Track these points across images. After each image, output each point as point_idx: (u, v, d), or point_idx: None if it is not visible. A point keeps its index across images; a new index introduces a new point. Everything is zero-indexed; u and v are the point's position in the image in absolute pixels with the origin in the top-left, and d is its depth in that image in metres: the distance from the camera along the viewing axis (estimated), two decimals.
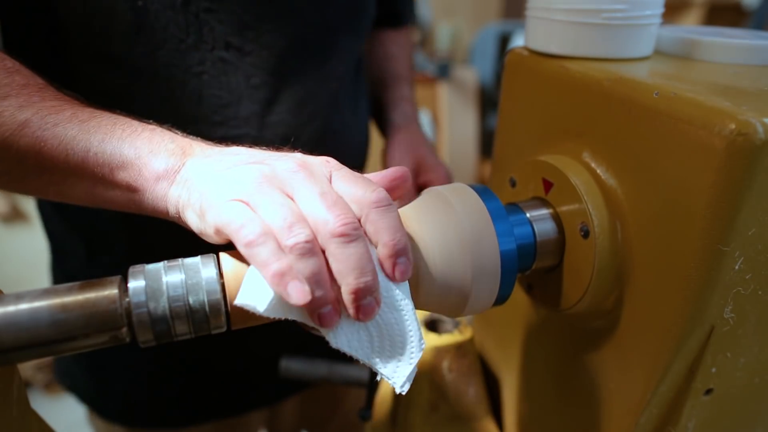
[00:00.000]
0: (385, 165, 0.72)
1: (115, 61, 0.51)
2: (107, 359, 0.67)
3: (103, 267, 0.62)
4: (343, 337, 0.32)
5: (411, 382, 0.33)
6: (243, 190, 0.33)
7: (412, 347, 0.33)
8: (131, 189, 0.39)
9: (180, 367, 0.67)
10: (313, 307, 0.30)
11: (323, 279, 0.30)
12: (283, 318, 0.30)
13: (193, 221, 0.35)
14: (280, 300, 0.30)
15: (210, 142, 0.41)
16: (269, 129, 0.57)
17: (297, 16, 0.56)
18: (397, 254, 0.32)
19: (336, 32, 0.61)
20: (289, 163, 0.35)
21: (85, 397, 0.72)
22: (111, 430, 0.71)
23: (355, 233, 0.31)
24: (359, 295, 0.30)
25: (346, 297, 0.31)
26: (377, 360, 0.32)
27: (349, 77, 0.66)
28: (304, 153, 0.46)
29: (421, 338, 0.33)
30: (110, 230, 0.60)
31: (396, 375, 0.32)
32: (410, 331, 0.33)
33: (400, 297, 0.33)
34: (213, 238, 0.34)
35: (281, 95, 0.57)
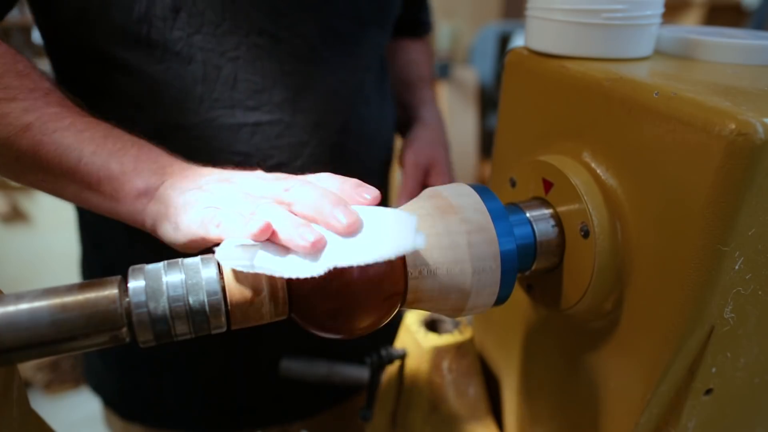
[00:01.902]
0: (401, 157, 0.75)
1: (154, 45, 0.52)
2: (133, 358, 0.68)
3: (144, 255, 0.62)
4: (334, 255, 0.30)
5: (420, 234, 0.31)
6: (213, 200, 0.38)
7: (400, 212, 0.33)
8: (113, 199, 0.43)
9: (192, 376, 0.68)
10: (292, 236, 0.32)
11: (294, 217, 0.33)
12: (276, 275, 0.30)
13: (169, 233, 0.41)
14: (262, 252, 0.31)
15: (190, 162, 0.45)
16: (301, 115, 0.58)
17: (330, 6, 0.58)
18: (357, 185, 0.36)
19: (366, 24, 0.62)
20: (250, 177, 0.40)
21: (104, 394, 0.73)
22: (128, 429, 0.72)
23: (307, 183, 0.36)
24: (333, 206, 0.32)
25: (326, 214, 0.32)
26: (383, 246, 0.30)
27: (376, 70, 0.68)
28: (337, 141, 0.58)
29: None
30: None
31: (406, 236, 0.31)
32: (388, 209, 0.34)
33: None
34: (189, 247, 0.39)
35: (313, 82, 0.59)
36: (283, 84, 0.57)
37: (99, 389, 0.74)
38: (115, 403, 0.72)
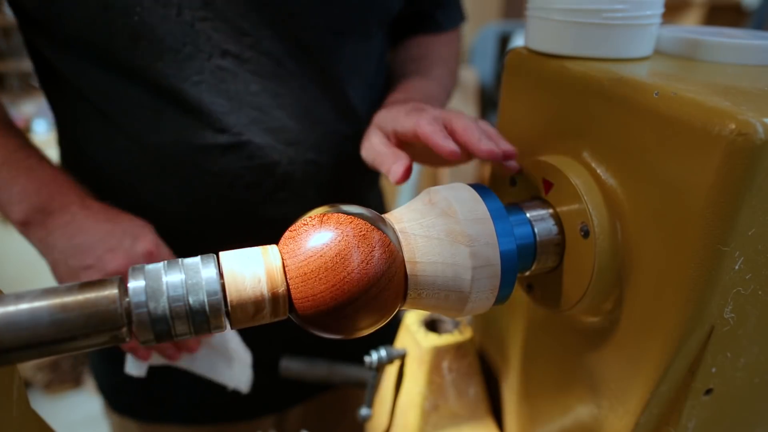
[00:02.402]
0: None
1: (123, 72, 0.53)
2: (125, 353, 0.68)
3: None
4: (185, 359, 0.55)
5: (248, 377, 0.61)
6: (97, 266, 0.50)
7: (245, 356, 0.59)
8: (8, 219, 0.52)
9: (187, 373, 0.68)
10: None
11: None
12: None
13: (57, 276, 0.52)
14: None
15: (80, 193, 0.54)
16: (271, 135, 0.57)
17: (296, 20, 0.55)
18: None
19: (341, 34, 0.59)
20: (138, 246, 0.51)
21: (101, 387, 0.74)
22: (123, 424, 0.73)
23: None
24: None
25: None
26: (220, 373, 0.59)
27: (363, 82, 0.64)
28: (310, 159, 0.60)
29: (245, 349, 0.60)
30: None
31: (239, 378, 0.60)
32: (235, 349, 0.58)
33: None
34: None
35: (282, 100, 0.57)
36: (250, 105, 0.55)
37: (98, 383, 0.75)
38: (111, 398, 0.73)
